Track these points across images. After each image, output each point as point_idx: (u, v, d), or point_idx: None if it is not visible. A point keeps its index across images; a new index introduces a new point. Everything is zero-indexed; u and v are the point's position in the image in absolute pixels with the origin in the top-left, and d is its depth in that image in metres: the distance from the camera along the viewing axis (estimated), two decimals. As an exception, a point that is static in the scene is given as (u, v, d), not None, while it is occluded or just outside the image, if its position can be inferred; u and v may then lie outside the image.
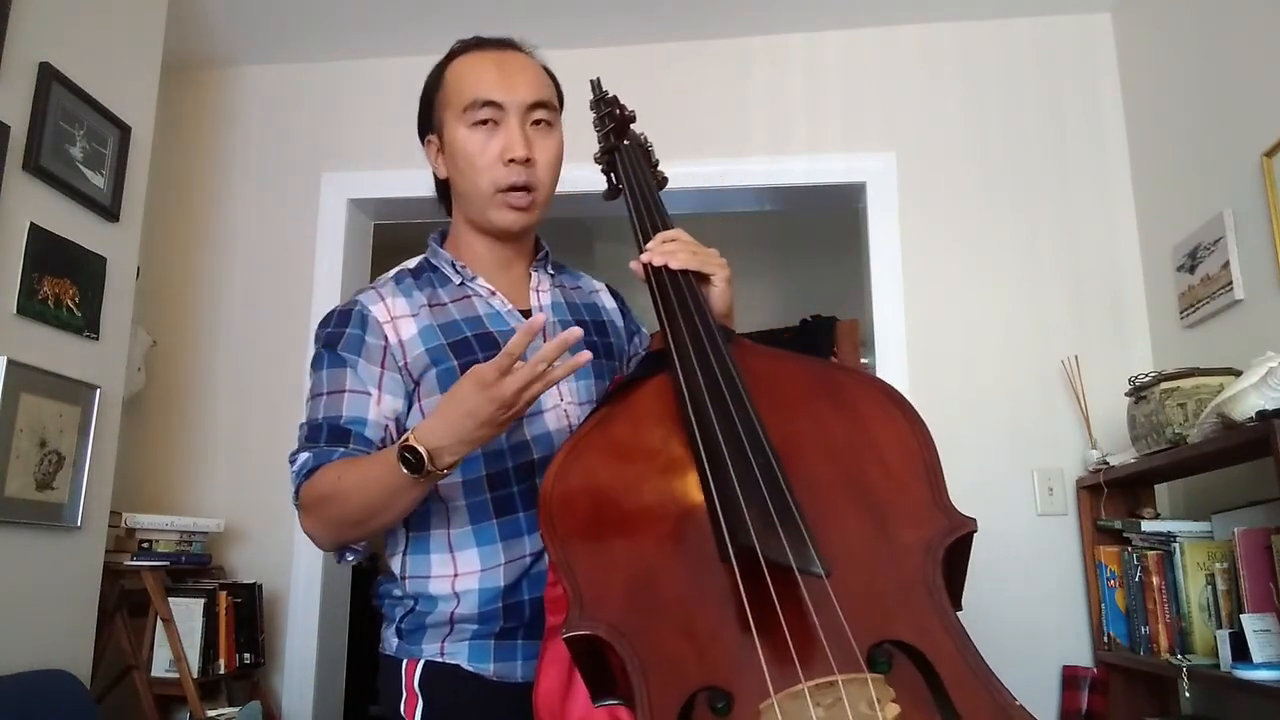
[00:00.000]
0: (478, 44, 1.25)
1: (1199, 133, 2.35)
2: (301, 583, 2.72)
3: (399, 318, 1.19)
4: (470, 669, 1.13)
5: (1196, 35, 2.37)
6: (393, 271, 1.28)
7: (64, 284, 2.09)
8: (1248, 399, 1.66)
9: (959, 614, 0.86)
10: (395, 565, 1.21)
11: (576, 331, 0.93)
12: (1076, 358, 2.57)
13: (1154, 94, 2.60)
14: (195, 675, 2.37)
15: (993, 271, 2.70)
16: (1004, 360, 2.64)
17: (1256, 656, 1.70)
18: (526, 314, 1.23)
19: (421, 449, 0.97)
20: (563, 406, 1.19)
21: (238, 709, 2.42)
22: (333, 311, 1.23)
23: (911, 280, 2.71)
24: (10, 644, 1.92)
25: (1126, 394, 2.20)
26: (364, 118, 3.00)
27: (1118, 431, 2.35)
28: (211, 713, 2.37)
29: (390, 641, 1.19)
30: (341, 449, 1.12)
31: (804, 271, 4.87)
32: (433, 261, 1.28)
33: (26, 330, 1.99)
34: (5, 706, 1.81)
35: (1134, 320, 2.62)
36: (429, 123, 1.27)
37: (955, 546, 0.85)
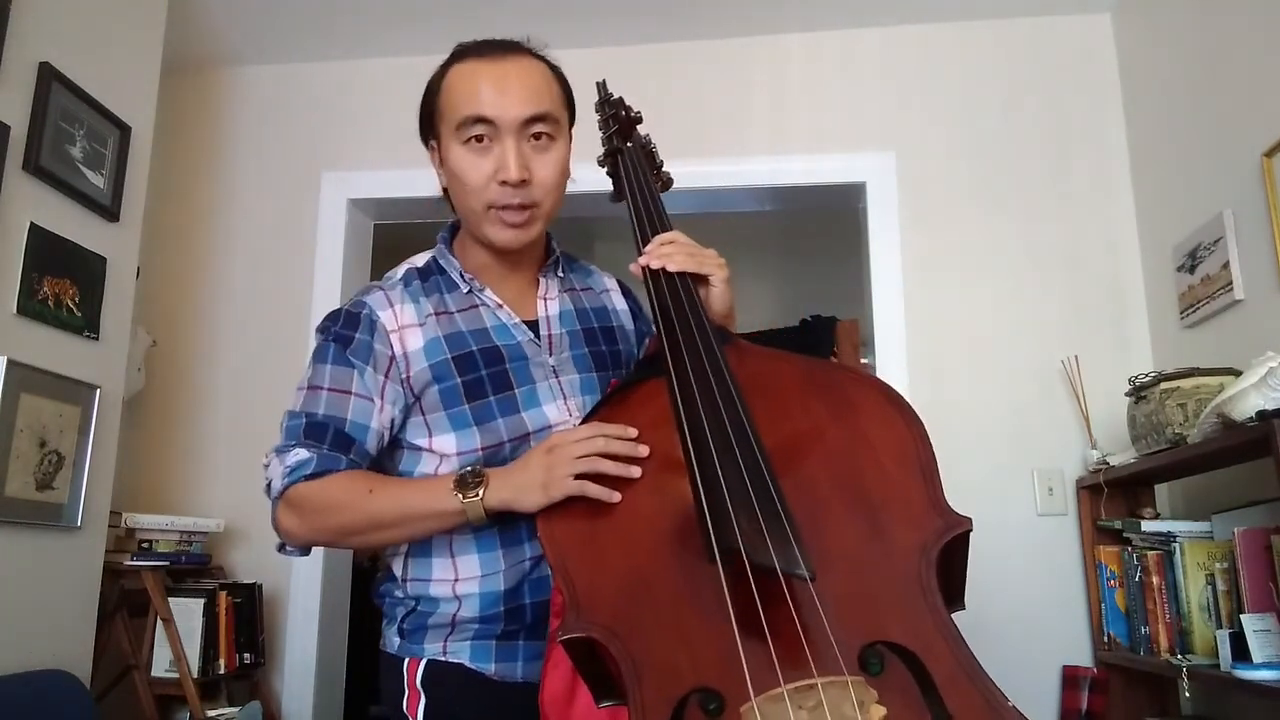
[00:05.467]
0: (477, 50, 1.18)
1: (1199, 133, 2.35)
2: (301, 583, 2.72)
3: (406, 327, 1.18)
4: (473, 668, 1.14)
5: (1196, 35, 2.37)
6: (401, 270, 1.26)
7: (64, 284, 2.09)
8: (1248, 399, 1.65)
9: (962, 612, 0.86)
10: (396, 567, 1.22)
11: (642, 450, 0.98)
12: (1076, 358, 2.57)
13: (1154, 94, 2.60)
14: (195, 675, 2.37)
15: (993, 271, 2.70)
16: (1004, 360, 2.63)
17: (1256, 656, 1.70)
18: (532, 325, 1.23)
19: (485, 473, 1.05)
20: (571, 421, 1.16)
21: (238, 709, 2.42)
22: (341, 310, 1.21)
23: (911, 280, 2.71)
24: (10, 644, 1.92)
25: (1126, 394, 2.19)
26: (364, 118, 3.00)
27: (1118, 431, 2.35)
28: (211, 713, 2.37)
29: (392, 640, 1.20)
30: (345, 458, 1.13)
31: (804, 271, 4.87)
32: (441, 264, 1.26)
33: (26, 330, 1.99)
34: (5, 706, 1.81)
35: (1134, 320, 2.62)
36: (430, 129, 1.23)
37: (951, 546, 0.84)
